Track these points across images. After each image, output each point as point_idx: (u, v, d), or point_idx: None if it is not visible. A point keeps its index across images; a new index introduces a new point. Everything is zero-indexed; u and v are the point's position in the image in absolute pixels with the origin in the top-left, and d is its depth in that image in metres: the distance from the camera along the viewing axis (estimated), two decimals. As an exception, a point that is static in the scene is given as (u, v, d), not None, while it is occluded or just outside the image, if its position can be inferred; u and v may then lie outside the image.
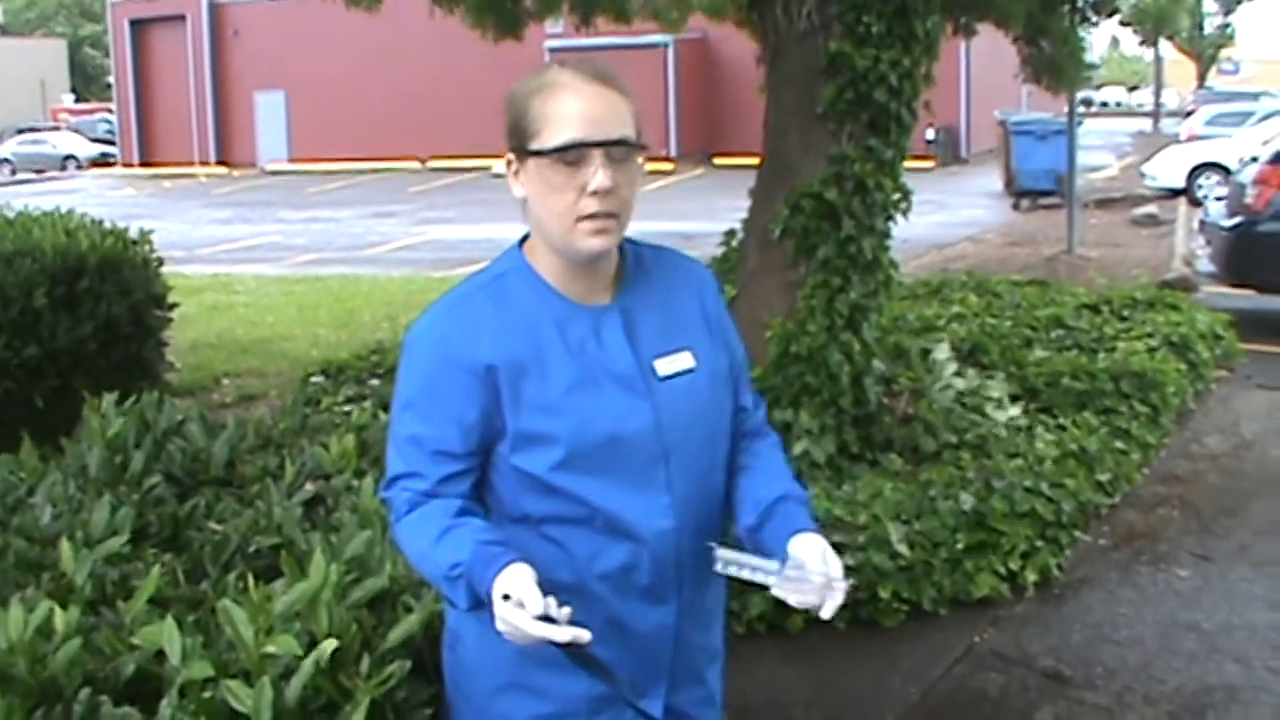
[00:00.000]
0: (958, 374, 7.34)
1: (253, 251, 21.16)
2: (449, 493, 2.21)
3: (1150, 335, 9.06)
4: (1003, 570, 5.69)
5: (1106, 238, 17.56)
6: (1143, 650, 5.26)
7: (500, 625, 2.04)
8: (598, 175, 2.15)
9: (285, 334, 12.35)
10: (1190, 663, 5.15)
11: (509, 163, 2.24)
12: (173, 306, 8.75)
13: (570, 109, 2.16)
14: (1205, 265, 12.48)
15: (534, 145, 2.17)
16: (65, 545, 2.75)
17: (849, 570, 5.55)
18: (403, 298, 13.88)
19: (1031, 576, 5.76)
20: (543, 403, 2.20)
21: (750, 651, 5.10)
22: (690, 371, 2.32)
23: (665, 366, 2.30)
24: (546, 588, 2.06)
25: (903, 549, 5.48)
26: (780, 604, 5.54)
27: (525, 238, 2.32)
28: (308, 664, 2.20)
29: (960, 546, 5.66)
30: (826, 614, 2.20)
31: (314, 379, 8.92)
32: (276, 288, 15.79)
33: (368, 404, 6.80)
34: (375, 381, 8.55)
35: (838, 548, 5.57)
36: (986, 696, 4.92)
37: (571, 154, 2.15)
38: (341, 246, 21.68)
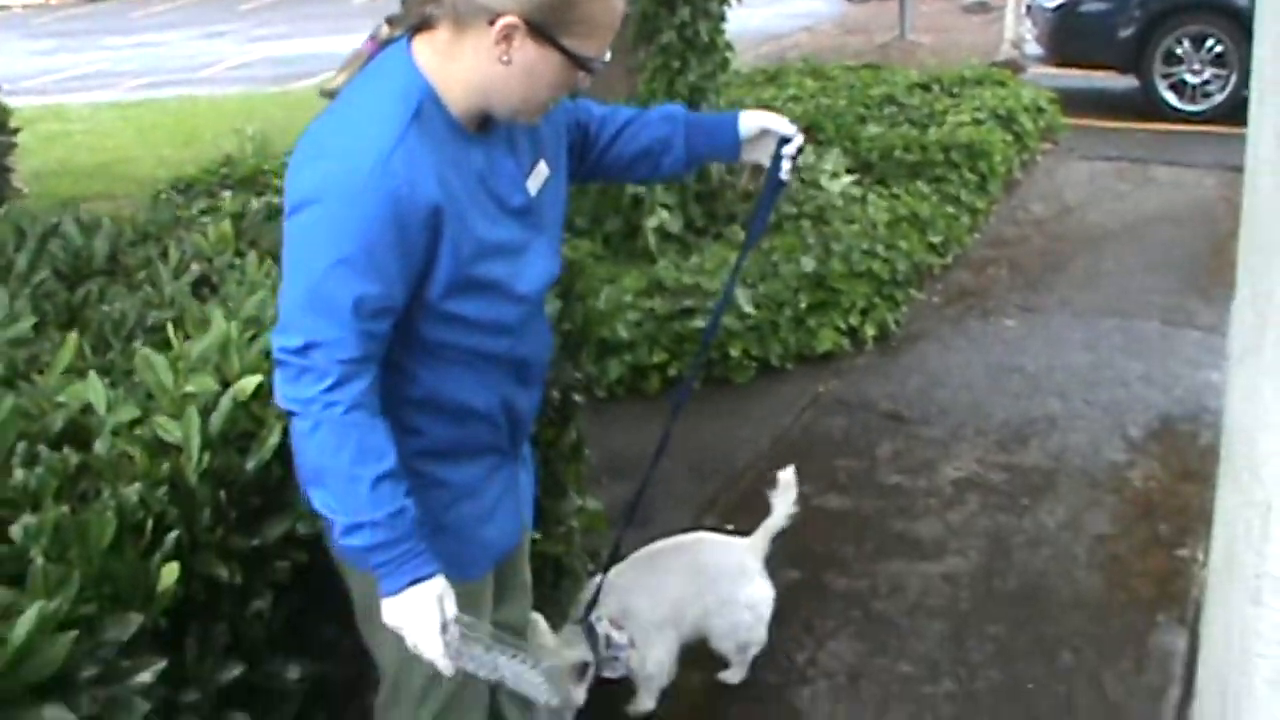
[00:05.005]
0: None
1: (82, 80, 20.46)
2: (370, 364, 2.09)
3: (978, 109, 9.35)
4: (843, 326, 6.09)
5: (937, 24, 17.79)
6: (973, 391, 5.74)
7: (413, 619, 2.15)
8: (586, 81, 2.15)
9: (128, 157, 12.18)
10: (1016, 400, 5.64)
11: (507, 26, 2.01)
12: (15, 131, 8.67)
13: (613, 22, 2.10)
14: (1034, 48, 12.78)
15: (571, 46, 2.05)
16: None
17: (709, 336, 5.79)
18: (244, 113, 13.70)
19: (870, 331, 6.17)
20: (476, 245, 2.13)
21: (611, 412, 5.45)
22: (550, 177, 2.32)
23: (533, 184, 2.27)
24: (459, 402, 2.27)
25: (750, 310, 5.83)
26: (636, 369, 5.82)
27: (406, 39, 2.14)
28: (226, 399, 2.44)
29: (803, 306, 6.03)
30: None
31: (165, 195, 8.89)
32: (112, 114, 15.40)
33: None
34: (228, 193, 8.54)
35: (688, 312, 5.88)
36: (831, 438, 5.35)
37: (597, 66, 2.11)
38: (174, 69, 21.05)
